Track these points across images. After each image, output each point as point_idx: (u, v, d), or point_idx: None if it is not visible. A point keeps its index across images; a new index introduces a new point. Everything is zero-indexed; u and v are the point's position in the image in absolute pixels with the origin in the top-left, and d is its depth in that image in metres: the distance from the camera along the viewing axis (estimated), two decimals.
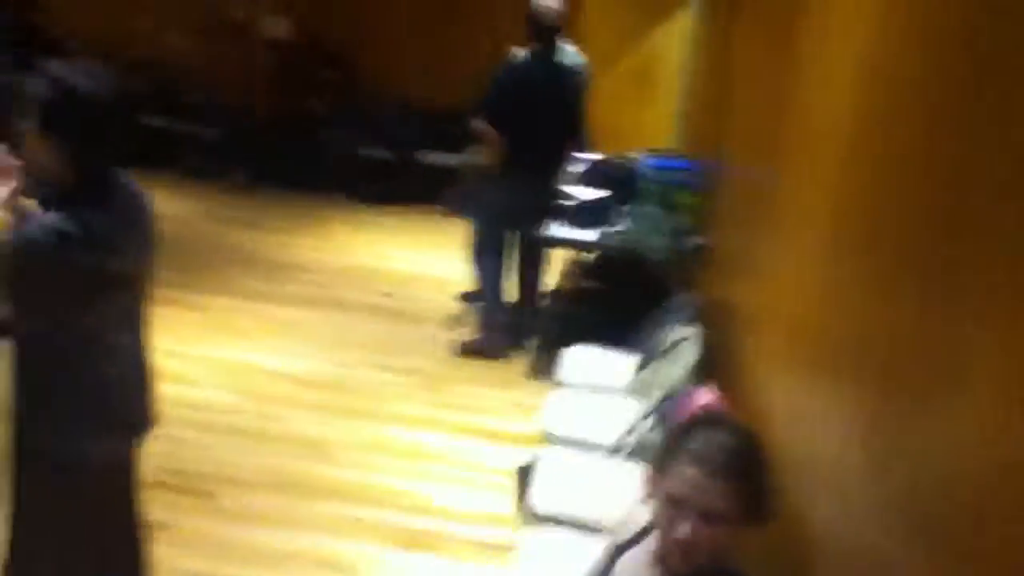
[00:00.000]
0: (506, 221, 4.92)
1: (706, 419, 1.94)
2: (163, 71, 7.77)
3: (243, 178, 7.79)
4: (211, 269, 5.87)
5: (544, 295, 5.21)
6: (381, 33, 8.03)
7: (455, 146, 7.68)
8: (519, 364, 4.89)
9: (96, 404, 2.19)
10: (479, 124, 5.04)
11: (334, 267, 6.30)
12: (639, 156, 5.85)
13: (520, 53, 4.89)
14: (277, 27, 7.74)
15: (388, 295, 5.84)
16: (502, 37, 5.77)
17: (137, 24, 8.10)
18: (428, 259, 6.63)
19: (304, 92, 7.87)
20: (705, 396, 2.94)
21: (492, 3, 7.60)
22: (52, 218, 2.00)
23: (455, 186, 7.56)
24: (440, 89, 7.74)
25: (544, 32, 4.72)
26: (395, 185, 7.88)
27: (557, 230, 4.76)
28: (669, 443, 1.78)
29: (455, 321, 5.46)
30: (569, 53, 4.97)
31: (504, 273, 5.03)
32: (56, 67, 2.05)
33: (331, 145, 7.88)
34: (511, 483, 3.73)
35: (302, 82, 7.88)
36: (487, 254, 5.00)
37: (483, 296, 5.09)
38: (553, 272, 5.38)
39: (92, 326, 2.14)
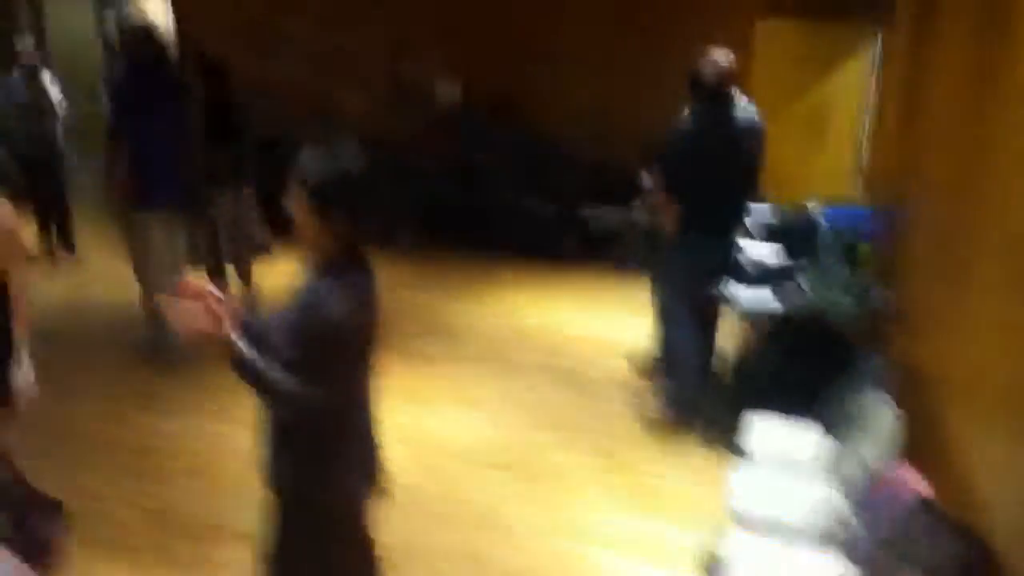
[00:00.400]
0: (686, 282, 4.76)
1: (926, 518, 1.78)
2: (338, 132, 8.14)
3: (414, 239, 8.02)
4: (386, 331, 6.04)
5: (720, 358, 5.04)
6: (548, 90, 8.14)
7: (623, 202, 7.66)
8: (697, 432, 4.72)
9: (358, 455, 2.40)
10: (649, 179, 4.97)
11: (503, 328, 6.34)
12: (816, 207, 5.63)
13: (692, 111, 4.81)
14: (448, 89, 7.99)
15: (560, 357, 5.82)
16: (668, 93, 5.72)
17: (312, 89, 8.56)
18: (597, 318, 6.57)
19: (474, 151, 8.07)
20: (906, 476, 2.73)
21: (659, 59, 7.57)
22: (334, 287, 2.17)
23: (626, 243, 7.52)
24: (607, 145, 7.76)
25: (711, 90, 4.62)
26: (562, 242, 7.92)
27: (734, 289, 4.61)
28: (885, 542, 1.65)
29: (629, 386, 5.36)
30: (742, 107, 4.84)
31: (691, 339, 4.80)
32: (321, 149, 2.22)
33: (499, 203, 8.01)
34: (695, 564, 3.59)
35: (472, 141, 8.08)
36: (678, 322, 4.80)
37: (670, 365, 4.93)
38: (728, 333, 5.20)
39: (358, 384, 2.36)
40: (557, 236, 7.95)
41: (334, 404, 2.26)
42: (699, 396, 4.75)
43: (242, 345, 2.16)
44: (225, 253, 6.07)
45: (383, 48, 8.39)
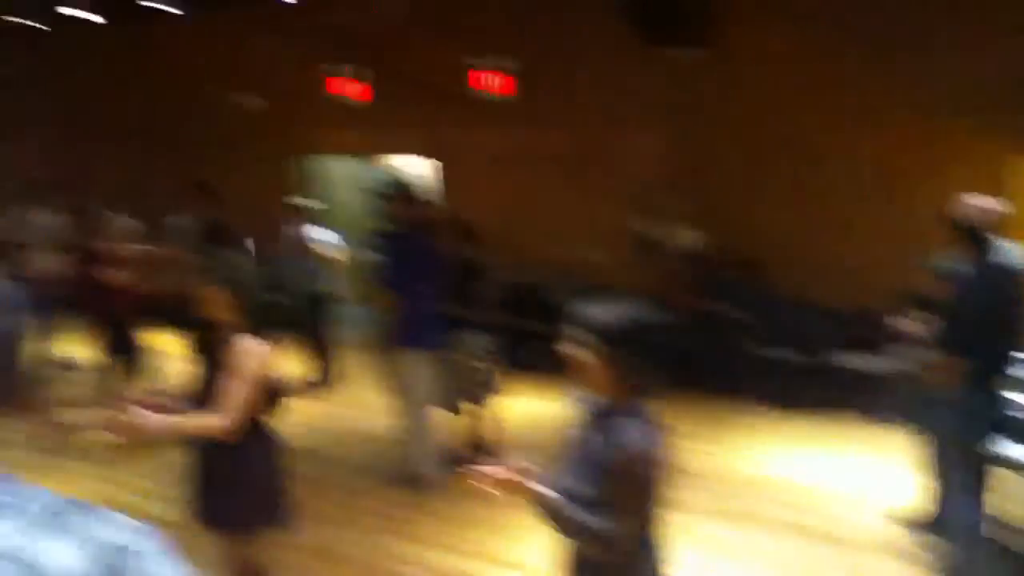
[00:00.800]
0: (961, 438, 4.37)
1: None
2: (579, 282, 8.39)
3: (656, 383, 7.99)
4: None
5: (999, 522, 4.54)
6: (790, 237, 8.02)
7: (872, 348, 7.28)
8: None
9: None
10: (903, 324, 4.72)
11: (742, 476, 6.09)
12: None
13: (946, 255, 4.56)
14: (690, 238, 8.10)
15: (808, 510, 5.49)
16: (917, 237, 5.48)
17: (549, 241, 8.90)
18: (848, 471, 6.17)
19: (715, 298, 8.03)
20: None
21: (906, 202, 7.31)
22: (632, 425, 2.35)
23: (881, 392, 7.11)
24: (852, 289, 7.48)
25: (975, 235, 4.37)
26: (806, 389, 7.60)
27: (1009, 448, 4.19)
28: None
29: (890, 547, 4.93)
30: (1006, 250, 4.53)
31: (968, 499, 4.37)
32: (612, 302, 2.43)
33: (740, 348, 7.86)
34: None
35: (714, 287, 8.06)
36: (954, 480, 4.42)
37: (945, 526, 4.52)
38: (1006, 495, 4.71)
39: (654, 517, 2.46)
40: (802, 383, 7.64)
41: (637, 538, 2.36)
42: (977, 561, 4.28)
43: (547, 491, 2.33)
44: (465, 392, 6.33)
45: (623, 200, 8.66)
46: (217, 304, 3.42)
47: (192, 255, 7.15)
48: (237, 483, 3.47)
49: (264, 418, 3.54)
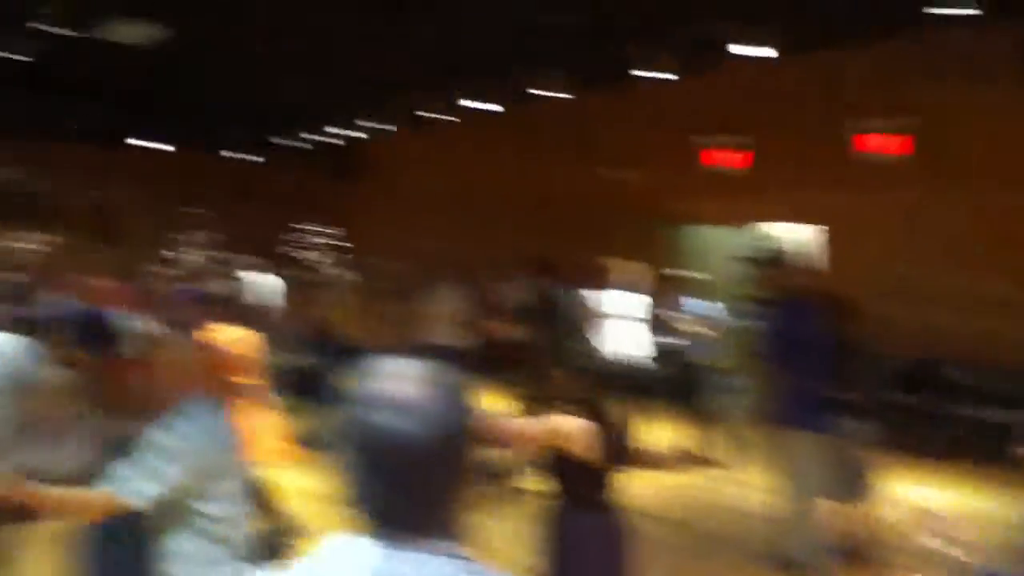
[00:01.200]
0: None
1: None
2: (986, 359, 7.53)
3: None
4: None
5: None
6: None
7: None
8: None
9: None
10: None
11: None
12: None
13: None
14: None
15: None
16: None
17: (948, 313, 8.02)
18: None
19: None
20: None
21: None
22: None
23: None
24: None
25: None
26: None
27: None
28: None
29: None
30: None
31: None
32: None
33: None
34: None
35: None
36: None
37: None
38: None
39: None
40: None
41: None
42: None
43: None
44: (847, 481, 5.79)
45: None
46: (558, 381, 3.54)
47: (540, 334, 7.37)
48: (572, 559, 3.46)
49: (606, 495, 3.49)
